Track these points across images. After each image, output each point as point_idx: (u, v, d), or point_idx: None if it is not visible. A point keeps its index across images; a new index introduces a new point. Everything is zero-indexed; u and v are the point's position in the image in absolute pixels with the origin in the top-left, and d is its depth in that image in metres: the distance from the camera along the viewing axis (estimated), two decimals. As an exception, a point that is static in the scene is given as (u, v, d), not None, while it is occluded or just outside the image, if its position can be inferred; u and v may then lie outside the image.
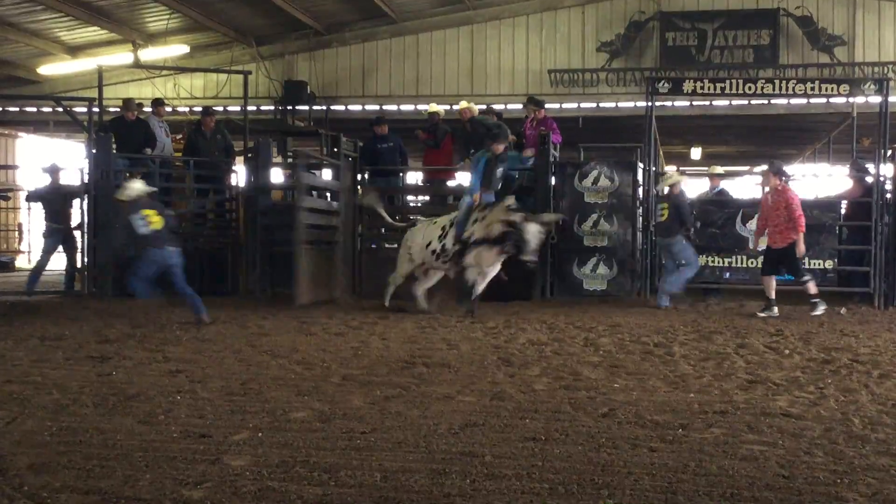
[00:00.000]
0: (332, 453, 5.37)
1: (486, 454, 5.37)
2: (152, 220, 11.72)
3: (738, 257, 15.28)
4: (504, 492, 4.70)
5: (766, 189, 13.82)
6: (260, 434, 5.79)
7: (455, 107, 17.62)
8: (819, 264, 15.11)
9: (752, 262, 15.13)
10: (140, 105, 17.61)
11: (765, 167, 14.02)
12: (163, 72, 23.85)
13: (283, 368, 8.26)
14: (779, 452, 5.44)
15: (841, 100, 18.27)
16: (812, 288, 13.46)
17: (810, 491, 4.73)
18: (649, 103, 15.80)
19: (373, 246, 16.85)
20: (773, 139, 26.58)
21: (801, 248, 13.37)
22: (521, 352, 9.34)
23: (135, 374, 7.91)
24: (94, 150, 15.50)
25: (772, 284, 13.44)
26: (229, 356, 8.95)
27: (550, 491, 4.72)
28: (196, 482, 4.79)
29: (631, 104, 21.77)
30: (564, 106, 22.14)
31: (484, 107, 18.06)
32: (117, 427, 5.97)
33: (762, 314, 13.09)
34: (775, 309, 13.24)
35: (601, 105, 22.58)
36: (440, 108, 17.66)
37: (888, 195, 15.05)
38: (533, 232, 12.39)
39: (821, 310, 13.28)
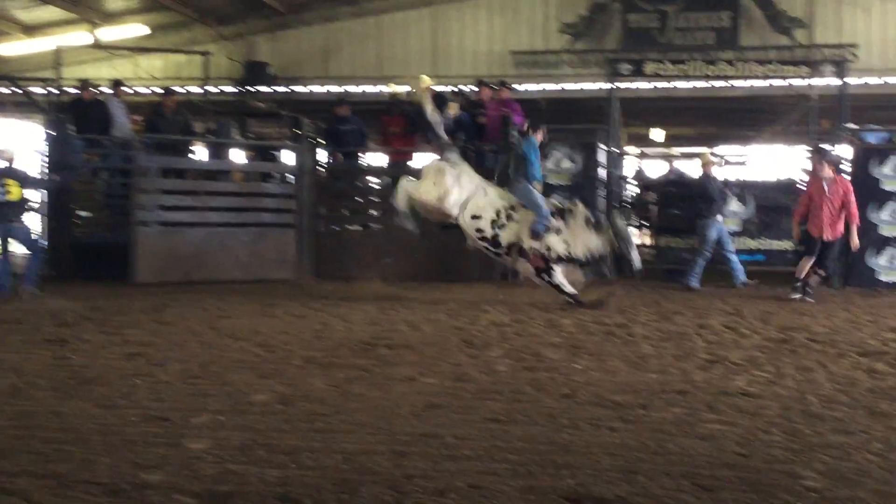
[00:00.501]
0: (292, 436, 5.36)
1: (448, 435, 5.37)
2: (10, 191, 11.51)
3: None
4: (465, 472, 4.71)
5: (820, 175, 13.19)
6: (220, 417, 5.77)
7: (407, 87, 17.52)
8: (779, 245, 15.25)
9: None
10: (99, 86, 17.41)
11: (818, 152, 13.61)
12: (122, 52, 23.58)
13: (244, 351, 8.23)
14: (737, 431, 5.49)
15: (800, 82, 18.38)
16: (814, 280, 13.30)
17: (768, 469, 4.77)
18: (611, 85, 15.83)
19: (335, 228, 16.77)
20: (734, 120, 26.69)
21: (857, 241, 13.30)
22: (482, 333, 9.36)
23: (93, 358, 7.86)
24: (51, 132, 15.32)
25: (805, 266, 13.21)
26: (189, 339, 8.90)
27: (511, 471, 4.73)
28: (155, 466, 4.76)
29: (593, 86, 21.75)
30: (527, 87, 22.11)
31: (450, 88, 18.00)
32: (75, 411, 5.93)
33: (799, 296, 13.01)
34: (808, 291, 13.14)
35: (563, 87, 22.55)
36: (401, 90, 17.56)
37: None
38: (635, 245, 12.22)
39: (796, 296, 13.07)
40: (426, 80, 16.63)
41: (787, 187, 15.99)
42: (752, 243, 15.40)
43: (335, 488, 4.43)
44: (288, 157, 16.93)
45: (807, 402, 6.26)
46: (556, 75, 22.66)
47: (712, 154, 16.16)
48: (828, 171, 13.06)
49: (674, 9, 22.29)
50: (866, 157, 14.88)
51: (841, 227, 13.04)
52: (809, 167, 13.74)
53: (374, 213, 16.98)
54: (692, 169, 19.99)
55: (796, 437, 5.37)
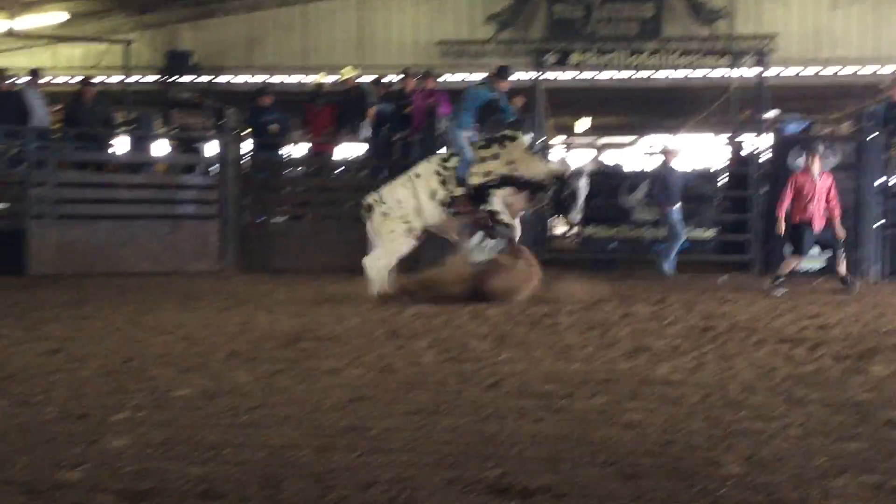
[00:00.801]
0: (215, 431, 5.29)
1: (373, 428, 5.35)
2: None
3: (623, 228, 15.50)
4: (390, 465, 4.69)
5: (811, 169, 13.06)
6: (141, 413, 5.68)
7: (335, 77, 17.47)
8: (701, 234, 15.45)
9: (636, 234, 15.41)
10: (15, 76, 17.04)
11: (813, 150, 13.36)
12: (40, 41, 23.10)
13: (167, 345, 8.13)
14: (659, 419, 5.55)
15: (722, 72, 18.63)
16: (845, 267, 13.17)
17: (689, 456, 4.82)
18: (537, 75, 15.89)
19: (260, 219, 16.60)
20: (658, 110, 26.97)
21: (842, 231, 13.21)
22: (408, 324, 9.36)
23: (11, 354, 7.70)
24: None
25: (793, 263, 13.18)
26: (111, 333, 8.77)
27: (436, 463, 4.72)
28: (74, 464, 4.66)
29: (519, 75, 21.83)
30: (453, 77, 22.12)
31: (371, 77, 17.92)
32: (-8, 409, 5.81)
33: (850, 288, 12.82)
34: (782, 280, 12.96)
35: (489, 76, 22.57)
36: (325, 79, 17.44)
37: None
38: (583, 186, 11.67)
39: (780, 292, 12.71)
40: (348, 72, 16.63)
41: (711, 177, 16.21)
42: (675, 232, 15.57)
43: (258, 483, 4.38)
44: (212, 148, 16.73)
45: (727, 389, 6.35)
46: (483, 65, 22.66)
47: (674, 144, 16.32)
48: (818, 165, 13.06)
49: (598, 0, 22.47)
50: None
51: (824, 219, 13.02)
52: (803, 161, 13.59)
53: (300, 204, 16.89)
54: (618, 158, 20.25)
55: (717, 424, 5.44)
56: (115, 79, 21.25)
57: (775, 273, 13.09)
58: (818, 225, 12.99)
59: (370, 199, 11.89)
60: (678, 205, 14.71)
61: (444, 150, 12.61)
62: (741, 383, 6.54)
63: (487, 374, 6.82)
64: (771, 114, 16.63)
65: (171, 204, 15.57)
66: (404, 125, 16.20)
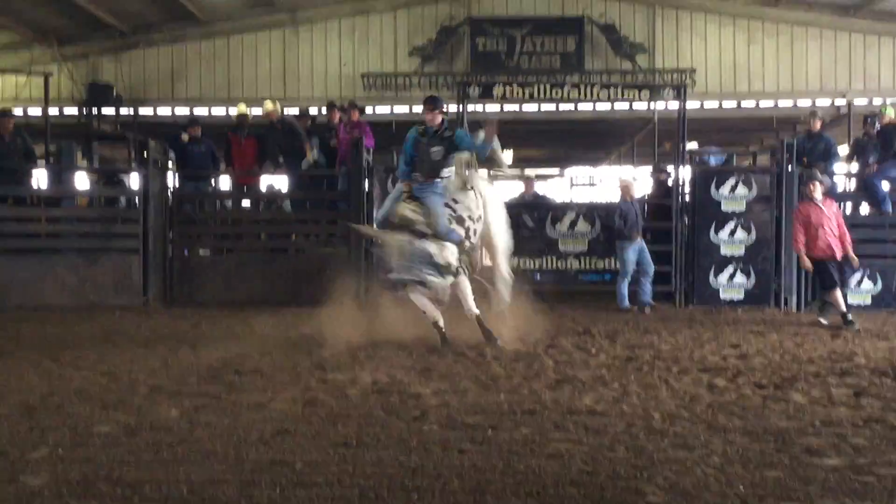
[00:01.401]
0: (136, 467, 5.22)
1: (298, 462, 5.33)
2: None
3: (548, 259, 15.60)
4: (314, 499, 4.68)
5: (813, 197, 12.95)
6: (60, 450, 5.58)
7: (258, 110, 17.40)
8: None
9: (561, 265, 15.53)
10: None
11: (812, 177, 13.42)
12: (-45, 73, 22.73)
13: (87, 381, 7.99)
14: (583, 449, 5.60)
15: (643, 105, 18.95)
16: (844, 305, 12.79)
17: (612, 485, 4.88)
18: (461, 107, 16.00)
19: (185, 252, 16.40)
20: (582, 143, 27.32)
21: (856, 258, 12.99)
22: (334, 357, 9.30)
23: (-75, 392, 7.51)
24: None
25: (839, 296, 12.81)
26: (29, 370, 8.59)
27: (361, 496, 4.72)
28: (-11, 504, 4.58)
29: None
30: (378, 110, 22.20)
31: (295, 110, 17.89)
32: None
33: (853, 328, 12.27)
34: (851, 318, 12.57)
35: (414, 109, 22.69)
36: (248, 110, 17.32)
37: (686, 197, 15.65)
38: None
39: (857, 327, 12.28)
40: (270, 106, 16.58)
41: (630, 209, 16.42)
42: (599, 263, 15.72)
43: (180, 520, 4.34)
44: (134, 181, 16.52)
45: (650, 418, 6.42)
46: (407, 98, 22.81)
47: (629, 177, 16.20)
48: (819, 193, 12.96)
49: (521, 33, 22.76)
50: (706, 179, 15.38)
51: (839, 246, 12.80)
52: (804, 192, 13.43)
53: (225, 236, 16.74)
54: (543, 190, 20.44)
55: (640, 454, 5.50)
56: (36, 111, 20.92)
57: (825, 306, 12.95)
58: (830, 253, 12.74)
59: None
60: (636, 240, 14.80)
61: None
62: (664, 412, 6.62)
63: (413, 406, 6.83)
64: (691, 146, 16.94)
65: (93, 237, 15.32)
66: (330, 157, 16.19)
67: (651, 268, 14.81)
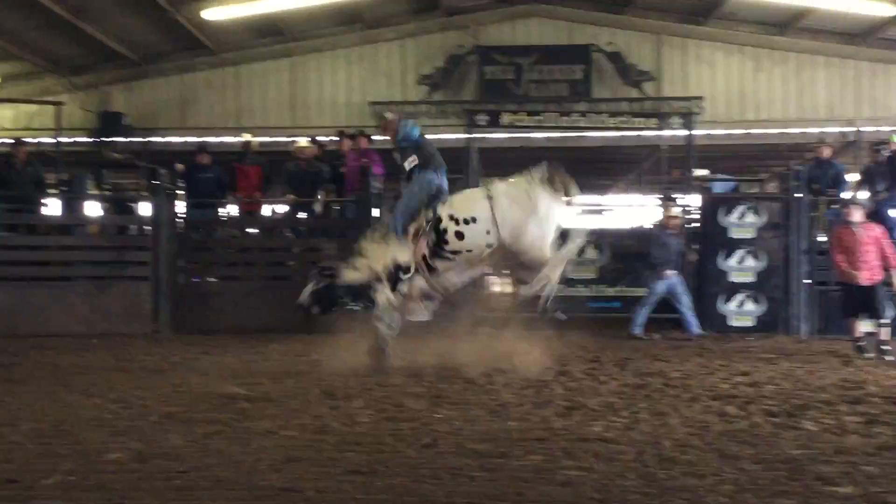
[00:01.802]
0: (147, 494, 5.22)
1: (309, 489, 5.32)
2: None
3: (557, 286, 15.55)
4: (326, 527, 4.67)
5: (850, 222, 12.62)
6: (72, 477, 5.58)
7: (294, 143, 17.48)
8: (635, 292, 15.61)
9: (570, 292, 15.51)
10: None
11: (854, 200, 13.17)
12: (-31, 103, 22.91)
13: (99, 408, 7.99)
14: (594, 477, 5.58)
15: (651, 133, 19.00)
16: (886, 333, 12.37)
17: (624, 513, 4.86)
18: (469, 135, 16.07)
19: (195, 280, 16.45)
20: (589, 170, 27.27)
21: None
22: (344, 384, 9.29)
23: (-63, 419, 7.52)
24: None
25: (856, 324, 12.57)
26: (40, 397, 8.60)
27: (373, 524, 4.71)
28: (2, 531, 4.58)
29: (451, 136, 22.04)
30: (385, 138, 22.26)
31: (308, 139, 17.95)
32: (-82, 475, 5.66)
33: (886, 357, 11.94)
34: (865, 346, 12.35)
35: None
36: (252, 138, 17.39)
37: (695, 224, 15.67)
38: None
39: (891, 357, 11.94)
40: (247, 137, 16.73)
41: (642, 235, 16.45)
42: (608, 291, 15.72)
43: (192, 548, 4.34)
44: (145, 209, 16.60)
45: (661, 446, 6.40)
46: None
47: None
48: (858, 216, 12.62)
49: (528, 62, 22.89)
50: (714, 207, 15.40)
51: (879, 271, 12.42)
52: (843, 216, 12.98)
53: (235, 263, 16.80)
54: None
55: (651, 481, 5.48)
56: (47, 140, 21.07)
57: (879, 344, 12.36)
58: (865, 277, 12.38)
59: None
60: (670, 272, 14.75)
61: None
62: (675, 440, 6.59)
63: (423, 434, 6.81)
64: (700, 173, 16.99)
65: (104, 265, 15.37)
66: (338, 185, 16.25)
67: (687, 298, 14.78)
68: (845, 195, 16.11)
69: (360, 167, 15.83)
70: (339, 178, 16.28)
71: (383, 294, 10.43)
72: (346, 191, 16.08)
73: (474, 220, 10.29)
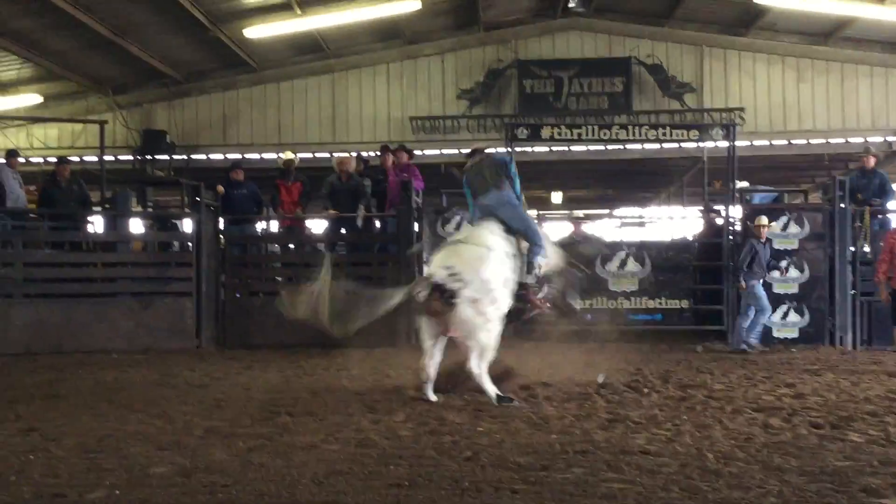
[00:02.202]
0: (191, 508, 5.26)
1: (351, 502, 5.33)
2: None
3: (599, 299, 15.55)
4: (368, 540, 4.68)
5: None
6: (117, 491, 5.63)
7: (334, 157, 17.65)
8: (676, 304, 15.53)
9: (612, 304, 15.47)
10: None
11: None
12: (16, 122, 23.23)
13: (142, 423, 8.06)
14: (637, 489, 5.54)
15: (692, 144, 18.92)
16: None
17: (668, 526, 4.83)
18: (509, 149, 16.08)
19: (237, 295, 16.55)
20: (630, 182, 27.31)
21: None
22: (385, 398, 9.31)
23: (-15, 435, 7.61)
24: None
25: None
26: (85, 412, 8.68)
27: (414, 537, 4.71)
28: (49, 544, 4.63)
29: (492, 150, 22.05)
30: (426, 152, 22.33)
31: (354, 153, 18.05)
32: (-34, 490, 5.73)
33: None
34: None
35: (463, 151, 22.78)
36: (294, 156, 17.54)
37: (737, 236, 15.57)
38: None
39: None
40: (289, 155, 16.89)
41: (684, 247, 16.38)
42: (650, 303, 15.66)
43: (236, 560, 4.36)
44: (188, 225, 16.76)
45: (704, 458, 6.35)
46: (455, 140, 22.97)
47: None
48: None
49: (568, 75, 22.89)
50: (755, 218, 15.29)
51: None
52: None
53: (277, 279, 16.91)
54: (593, 230, 20.39)
55: (695, 494, 5.44)
56: (91, 158, 21.33)
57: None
58: None
59: (443, 279, 8.97)
60: (761, 279, 14.69)
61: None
62: (718, 452, 6.54)
63: (465, 447, 6.80)
64: (741, 184, 16.89)
65: (147, 281, 15.53)
66: (381, 200, 16.31)
67: (766, 307, 14.63)
68: (891, 205, 15.98)
69: (401, 182, 15.88)
70: (380, 193, 16.34)
71: None
72: (387, 205, 16.13)
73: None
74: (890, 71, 22.64)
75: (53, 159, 18.39)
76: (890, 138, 22.18)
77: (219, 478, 5.94)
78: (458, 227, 15.54)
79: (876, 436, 7.22)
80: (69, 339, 14.56)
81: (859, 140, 21.76)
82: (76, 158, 20.78)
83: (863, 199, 15.36)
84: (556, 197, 28.20)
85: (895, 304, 12.35)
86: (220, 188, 16.65)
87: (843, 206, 15.05)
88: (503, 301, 9.31)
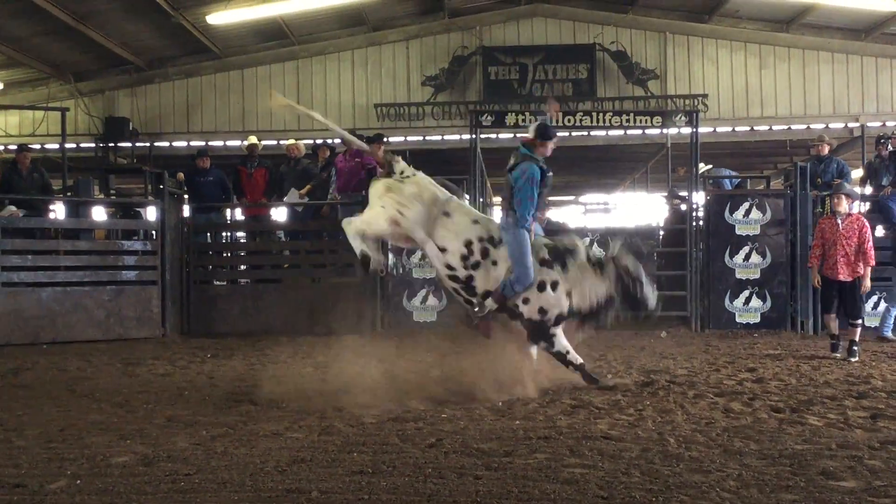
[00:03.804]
0: (153, 497, 5.26)
1: (313, 490, 5.35)
2: None
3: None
4: (330, 527, 4.69)
5: (837, 210, 12.16)
6: (79, 481, 5.62)
7: (283, 142, 17.62)
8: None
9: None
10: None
11: (839, 190, 12.32)
12: (-26, 110, 22.99)
13: (104, 412, 8.04)
14: (598, 474, 5.60)
15: (655, 131, 18.99)
16: (857, 334, 11.90)
17: (628, 510, 4.88)
18: (473, 136, 16.08)
19: (201, 283, 16.45)
20: (595, 169, 27.39)
21: (868, 283, 12.11)
22: (350, 386, 9.30)
23: (-55, 425, 7.56)
24: None
25: (830, 321, 12.27)
26: (47, 402, 8.64)
27: (376, 524, 4.73)
28: (9, 534, 4.61)
29: (456, 137, 22.11)
30: (391, 139, 22.29)
31: (320, 141, 17.98)
32: (-75, 480, 5.70)
33: (850, 358, 11.54)
34: (841, 346, 11.99)
35: (427, 138, 22.89)
36: (258, 141, 17.49)
37: (700, 222, 15.66)
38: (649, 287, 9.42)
39: (855, 358, 11.52)
40: (253, 140, 16.87)
41: (649, 233, 16.47)
42: (614, 289, 15.69)
43: (197, 549, 4.36)
44: (152, 213, 16.65)
45: (666, 442, 6.42)
46: (420, 127, 22.96)
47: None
48: (844, 206, 12.09)
49: (532, 62, 22.90)
50: (721, 204, 15.40)
51: (858, 269, 11.95)
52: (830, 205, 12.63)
53: (242, 267, 16.86)
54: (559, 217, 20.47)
55: (655, 478, 5.50)
56: (53, 146, 21.13)
57: (829, 336, 12.29)
58: (843, 273, 11.92)
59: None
60: None
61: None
62: (679, 437, 6.62)
63: (428, 434, 6.84)
64: (705, 168, 17.04)
65: (115, 270, 15.38)
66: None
67: None
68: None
69: (352, 168, 15.86)
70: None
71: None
72: (336, 191, 16.06)
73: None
74: (850, 57, 22.79)
75: (14, 147, 18.16)
76: (851, 124, 22.34)
77: (181, 466, 5.95)
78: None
79: (834, 419, 7.33)
80: (49, 329, 14.34)
81: (821, 126, 21.90)
82: (37, 146, 20.57)
83: (823, 183, 15.47)
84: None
85: (825, 290, 12.36)
86: (181, 175, 16.57)
87: (803, 191, 15.17)
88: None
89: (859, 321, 12.04)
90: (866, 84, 22.69)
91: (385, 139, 17.04)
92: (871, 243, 12.00)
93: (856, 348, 11.72)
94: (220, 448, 6.45)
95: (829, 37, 22.70)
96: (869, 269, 12.00)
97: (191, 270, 16.00)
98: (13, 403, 8.60)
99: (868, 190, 16.11)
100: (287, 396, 8.65)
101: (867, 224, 12.13)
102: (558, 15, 23.46)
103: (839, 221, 12.04)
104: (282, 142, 18.16)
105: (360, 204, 15.42)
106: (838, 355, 11.78)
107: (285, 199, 16.36)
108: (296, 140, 17.50)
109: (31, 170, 16.01)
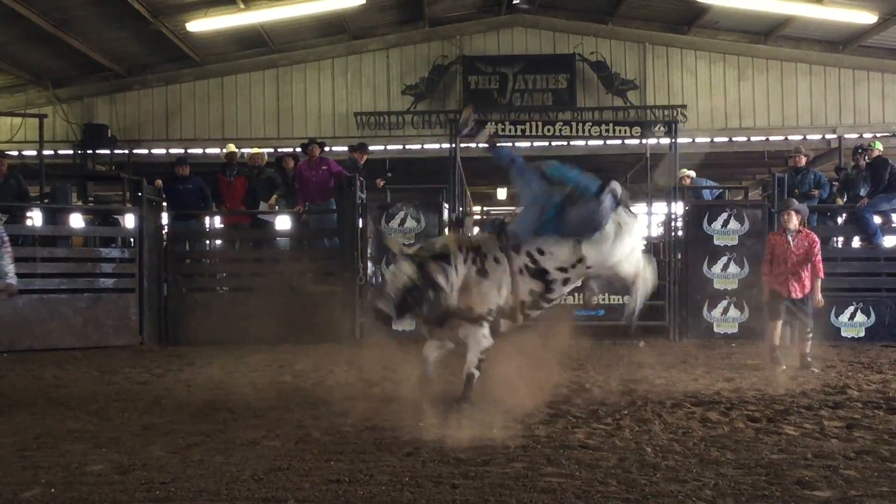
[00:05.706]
0: (129, 506, 5.23)
1: (290, 498, 5.34)
2: None
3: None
4: (306, 536, 4.67)
5: (784, 227, 12.12)
6: (53, 490, 5.59)
7: (247, 151, 17.68)
8: (618, 300, 15.62)
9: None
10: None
11: (787, 206, 12.23)
12: (-50, 115, 22.83)
13: (80, 420, 7.99)
14: (575, 483, 5.60)
15: (634, 141, 19.05)
16: (808, 346, 11.99)
17: (604, 519, 4.88)
18: (453, 145, 16.09)
19: (180, 291, 16.40)
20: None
21: (819, 297, 12.04)
22: (328, 394, 9.29)
23: (-82, 433, 7.50)
24: None
25: (773, 330, 12.17)
26: (22, 410, 8.58)
27: (353, 532, 4.72)
28: (-19, 543, 4.58)
29: (436, 146, 22.15)
30: (371, 148, 22.29)
31: (292, 150, 17.97)
32: None
33: (809, 369, 11.56)
34: (779, 356, 11.97)
35: (407, 147, 22.92)
36: (237, 150, 17.47)
37: (679, 232, 15.72)
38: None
39: (815, 370, 11.50)
40: (231, 148, 16.86)
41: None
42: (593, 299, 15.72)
43: (172, 558, 4.34)
44: (130, 221, 16.58)
45: (643, 452, 6.44)
46: (400, 136, 22.98)
47: None
48: (794, 223, 12.04)
49: (513, 71, 22.97)
50: (699, 214, 15.45)
51: (808, 282, 11.97)
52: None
53: (222, 274, 16.80)
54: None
55: (632, 488, 5.51)
56: (31, 152, 21.03)
57: (803, 357, 12.02)
58: (795, 291, 11.95)
59: None
60: None
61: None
62: (656, 446, 6.64)
63: (406, 442, 6.83)
64: (687, 173, 17.10)
65: (92, 277, 15.30)
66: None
67: None
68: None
69: (321, 176, 15.88)
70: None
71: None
72: (301, 200, 16.05)
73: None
74: (828, 69, 22.96)
75: (-9, 153, 18.05)
76: (829, 136, 22.50)
77: (157, 475, 5.92)
78: (400, 222, 15.55)
79: (811, 429, 7.36)
80: (25, 337, 14.22)
81: (798, 137, 22.06)
82: (14, 153, 20.43)
83: (800, 194, 15.54)
84: (502, 193, 28.27)
85: (773, 302, 12.34)
86: (158, 182, 16.52)
87: (781, 202, 15.23)
88: None
89: (810, 334, 12.09)
90: (843, 96, 22.86)
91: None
92: (819, 256, 11.99)
93: (810, 359, 11.80)
94: (196, 456, 6.42)
95: (807, 49, 22.86)
96: (819, 281, 12.02)
97: (169, 278, 15.96)
98: (-12, 411, 8.54)
99: (840, 202, 16.19)
100: (265, 405, 8.63)
101: (817, 239, 12.15)
102: (538, 25, 23.54)
103: (790, 238, 12.05)
104: (244, 150, 18.12)
105: (341, 213, 15.48)
106: (783, 367, 11.65)
107: (262, 206, 16.38)
108: (259, 148, 17.55)
109: (8, 176, 15.92)
